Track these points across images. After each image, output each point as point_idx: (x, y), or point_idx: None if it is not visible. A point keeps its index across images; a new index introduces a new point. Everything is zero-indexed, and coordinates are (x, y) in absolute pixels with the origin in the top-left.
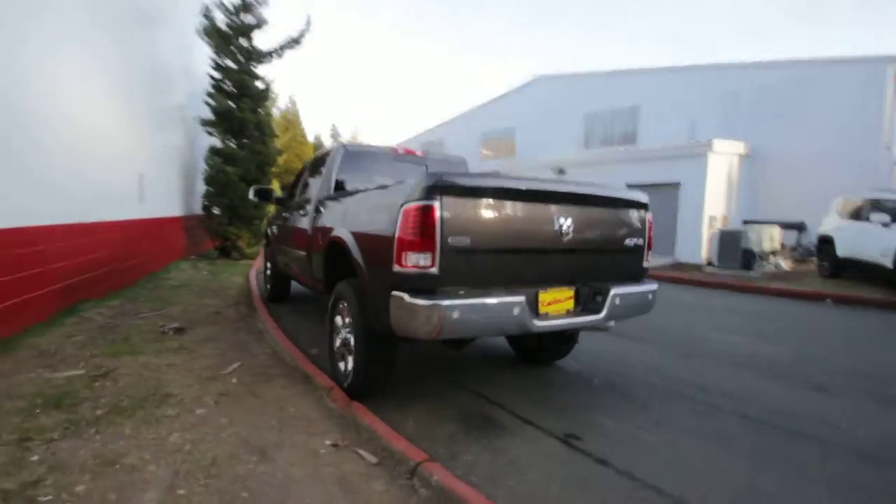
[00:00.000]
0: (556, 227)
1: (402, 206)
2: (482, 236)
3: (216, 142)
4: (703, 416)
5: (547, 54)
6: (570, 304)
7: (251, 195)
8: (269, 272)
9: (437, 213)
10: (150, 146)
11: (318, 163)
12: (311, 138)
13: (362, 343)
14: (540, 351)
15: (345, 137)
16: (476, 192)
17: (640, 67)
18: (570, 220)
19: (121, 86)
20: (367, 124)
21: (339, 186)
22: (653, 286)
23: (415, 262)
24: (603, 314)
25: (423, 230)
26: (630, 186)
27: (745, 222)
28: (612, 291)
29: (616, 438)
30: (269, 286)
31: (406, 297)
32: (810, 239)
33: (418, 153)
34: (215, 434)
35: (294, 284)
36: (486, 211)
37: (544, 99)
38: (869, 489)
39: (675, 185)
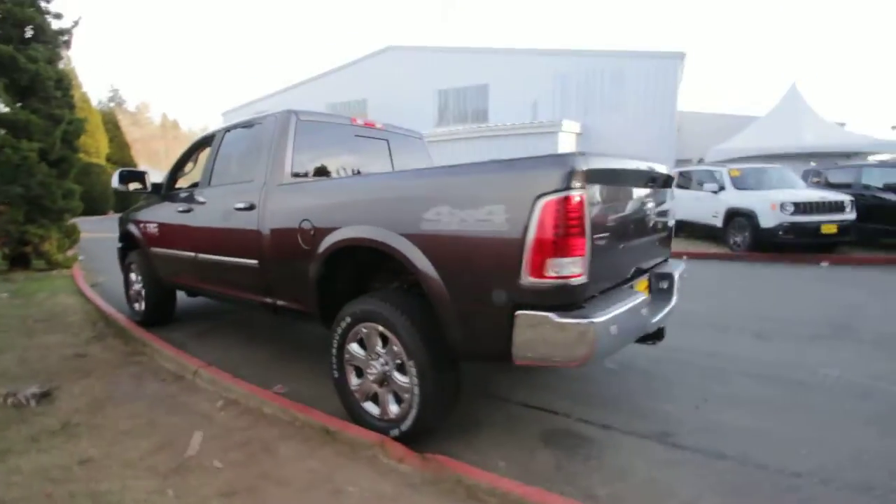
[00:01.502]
0: (647, 212)
1: (538, 197)
2: (610, 230)
3: None
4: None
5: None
6: (648, 295)
7: (115, 182)
8: (138, 286)
9: (587, 206)
10: None
11: (242, 137)
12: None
13: (430, 375)
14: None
15: (131, 105)
16: (612, 177)
17: (488, 47)
18: (652, 203)
19: None
20: (166, 90)
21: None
22: (682, 265)
23: (559, 270)
24: (675, 300)
25: (574, 229)
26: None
27: None
28: (676, 275)
29: (700, 426)
30: (138, 305)
31: (553, 316)
32: None
33: (377, 125)
34: None
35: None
36: (613, 199)
37: (396, 71)
38: None
39: None
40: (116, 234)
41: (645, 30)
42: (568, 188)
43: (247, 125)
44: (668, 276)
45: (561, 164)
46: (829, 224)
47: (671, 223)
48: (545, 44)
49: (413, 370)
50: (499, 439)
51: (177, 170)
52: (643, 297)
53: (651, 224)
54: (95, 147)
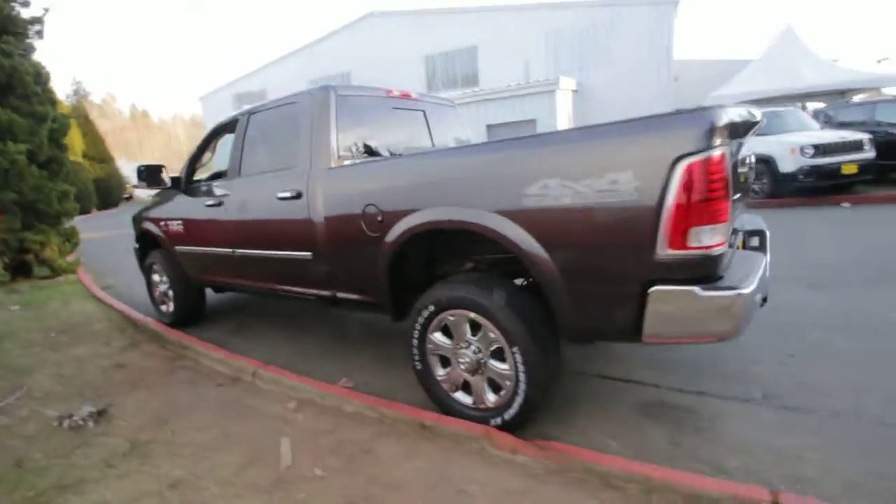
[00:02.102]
0: (745, 165)
1: (678, 159)
2: (734, 189)
3: None
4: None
5: None
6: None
7: (134, 178)
8: (164, 287)
9: (727, 167)
10: None
11: (271, 120)
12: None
13: (536, 359)
14: None
15: (97, 98)
16: (734, 130)
17: (474, 6)
18: (745, 154)
19: None
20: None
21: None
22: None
23: (702, 240)
24: (769, 256)
25: (718, 192)
26: (491, 126)
27: None
28: (767, 231)
29: (796, 384)
30: (166, 307)
31: (698, 290)
32: None
33: (413, 95)
34: None
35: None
36: (732, 155)
37: (380, 39)
38: None
39: (531, 122)
40: (109, 234)
41: None
42: (709, 147)
43: (275, 106)
44: (760, 232)
45: (700, 120)
46: (849, 164)
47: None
48: None
49: (518, 357)
50: (595, 417)
51: (194, 161)
52: (764, 259)
53: (743, 177)
54: (70, 143)
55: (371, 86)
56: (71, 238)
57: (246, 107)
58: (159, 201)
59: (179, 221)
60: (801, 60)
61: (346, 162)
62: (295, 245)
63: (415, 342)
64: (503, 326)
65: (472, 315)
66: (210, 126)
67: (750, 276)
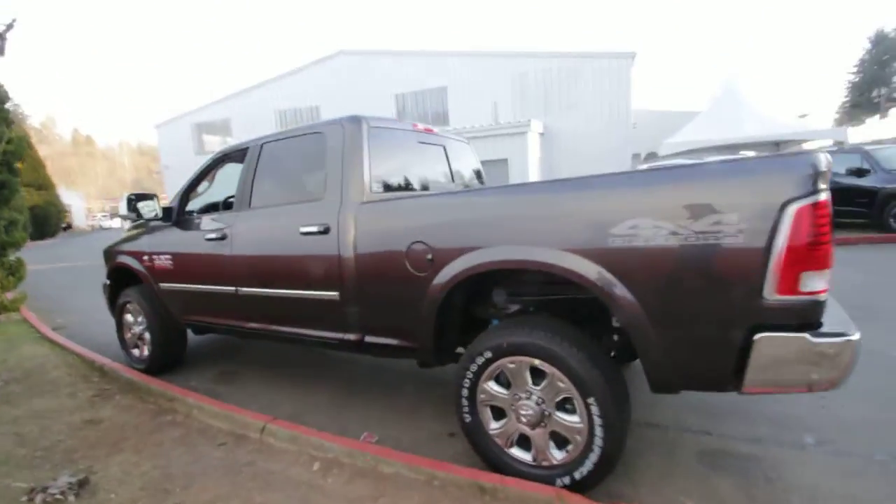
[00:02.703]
0: None
1: (787, 203)
2: None
3: None
4: None
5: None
6: None
7: (123, 208)
8: (138, 329)
9: (832, 212)
10: None
11: (290, 150)
12: None
13: (614, 410)
14: None
15: (35, 121)
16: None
17: (445, 49)
18: None
19: None
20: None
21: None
22: None
23: (810, 285)
24: None
25: (825, 237)
26: None
27: None
28: None
29: (844, 426)
30: (139, 351)
31: (809, 337)
32: None
33: (435, 131)
34: None
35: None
36: None
37: (351, 76)
38: None
39: (503, 161)
40: (49, 266)
41: (593, 34)
42: (816, 191)
43: (294, 136)
44: None
45: (805, 165)
46: None
47: None
48: (502, 45)
49: (594, 408)
50: (658, 469)
51: (189, 191)
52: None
53: None
54: None
55: (400, 120)
56: (16, 272)
57: (230, 141)
58: (141, 233)
59: (168, 256)
60: (740, 113)
61: (379, 196)
62: (319, 284)
63: (464, 392)
64: (577, 375)
65: (537, 362)
66: (171, 155)
67: (848, 322)
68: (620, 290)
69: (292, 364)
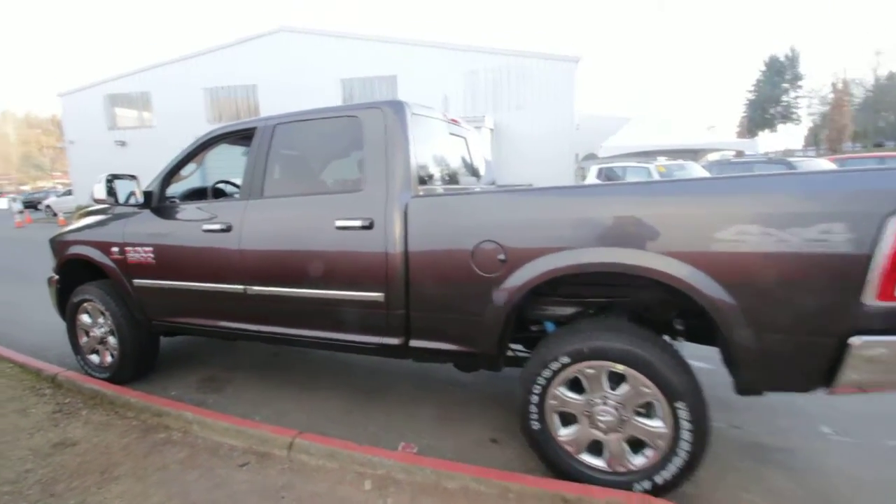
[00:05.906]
0: None
1: (890, 214)
2: None
3: None
4: None
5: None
6: None
7: (101, 193)
8: (100, 331)
9: None
10: None
11: (313, 134)
12: None
13: (700, 415)
14: None
15: None
16: None
17: (396, 37)
18: None
19: None
20: None
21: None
22: None
23: None
24: None
25: None
26: None
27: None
28: None
29: (868, 414)
30: (99, 357)
31: None
32: None
33: (459, 122)
34: None
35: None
36: None
37: (293, 56)
38: None
39: None
40: None
41: (539, 35)
42: None
43: (319, 118)
44: None
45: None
46: None
47: None
48: (455, 39)
49: (681, 412)
50: (710, 466)
51: (173, 174)
52: None
53: None
54: None
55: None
56: None
57: (148, 116)
58: (106, 220)
59: (149, 248)
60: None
61: (425, 188)
62: (359, 284)
63: (534, 398)
64: (665, 380)
65: (620, 367)
66: (78, 129)
67: None
68: (722, 294)
69: (280, 367)
